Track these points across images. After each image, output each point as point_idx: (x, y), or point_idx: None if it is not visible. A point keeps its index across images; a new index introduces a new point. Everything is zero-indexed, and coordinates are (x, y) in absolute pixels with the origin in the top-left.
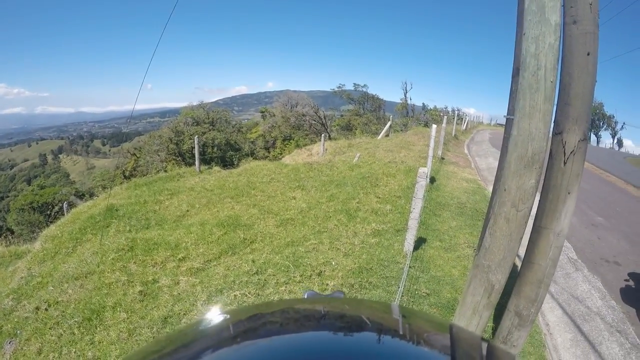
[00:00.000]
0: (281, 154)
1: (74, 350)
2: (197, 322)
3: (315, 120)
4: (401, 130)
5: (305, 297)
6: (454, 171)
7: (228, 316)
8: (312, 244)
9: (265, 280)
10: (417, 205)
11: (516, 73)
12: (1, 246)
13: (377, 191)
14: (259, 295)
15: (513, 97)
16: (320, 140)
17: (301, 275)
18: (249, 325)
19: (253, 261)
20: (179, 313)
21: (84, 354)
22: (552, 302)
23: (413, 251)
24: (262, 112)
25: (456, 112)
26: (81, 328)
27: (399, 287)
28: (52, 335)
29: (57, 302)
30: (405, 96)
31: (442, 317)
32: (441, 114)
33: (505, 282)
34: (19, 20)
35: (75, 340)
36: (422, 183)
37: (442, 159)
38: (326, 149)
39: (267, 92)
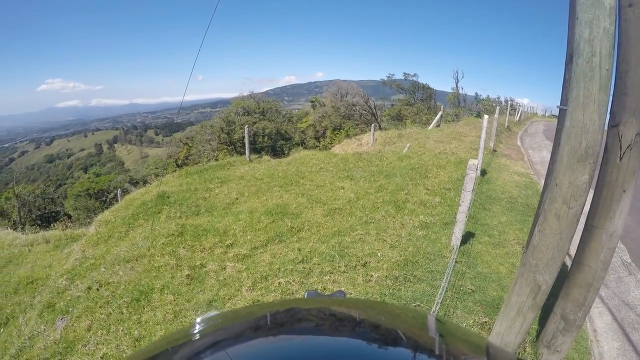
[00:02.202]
0: (331, 143)
1: (121, 328)
2: (197, 322)
3: (365, 110)
4: (453, 121)
5: (306, 297)
6: (505, 164)
7: (228, 316)
8: (358, 234)
9: (310, 269)
10: (466, 199)
11: (569, 60)
12: (58, 230)
13: (427, 183)
14: (302, 283)
15: (566, 86)
16: (370, 130)
17: (346, 266)
18: (249, 325)
19: (299, 249)
20: (224, 297)
21: (130, 332)
22: (602, 307)
23: (460, 245)
24: (312, 101)
25: (509, 102)
26: (129, 308)
27: (443, 282)
28: (101, 314)
29: (108, 283)
30: (456, 85)
31: (445, 316)
32: (494, 104)
33: (553, 283)
34: (73, 18)
35: (123, 319)
36: (471, 175)
37: (494, 151)
38: (376, 139)
39: (316, 82)
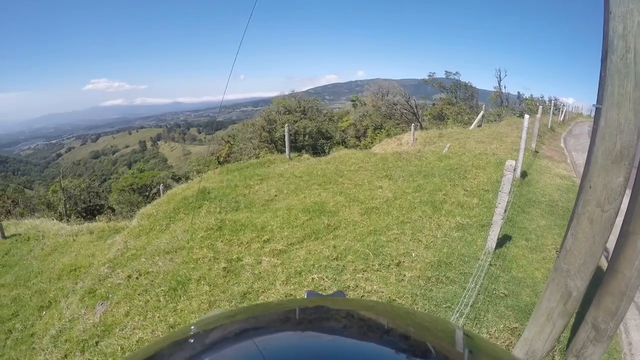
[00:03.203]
0: (372, 142)
1: (157, 315)
2: (197, 322)
3: (406, 110)
4: (495, 121)
5: (306, 297)
6: (547, 166)
7: (228, 316)
8: (394, 233)
9: (343, 266)
10: (502, 200)
11: (604, 57)
12: (102, 222)
13: (465, 184)
14: (335, 280)
15: (602, 83)
16: (410, 129)
17: (380, 264)
18: (249, 325)
19: (334, 247)
20: (258, 290)
21: (166, 319)
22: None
23: (496, 248)
24: (352, 100)
25: (553, 101)
26: (166, 296)
27: (475, 285)
28: (139, 301)
29: (148, 272)
30: (499, 84)
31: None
32: (537, 104)
33: (585, 290)
34: (117, 19)
35: (160, 306)
36: (509, 177)
37: (536, 152)
38: (416, 139)
39: (357, 81)
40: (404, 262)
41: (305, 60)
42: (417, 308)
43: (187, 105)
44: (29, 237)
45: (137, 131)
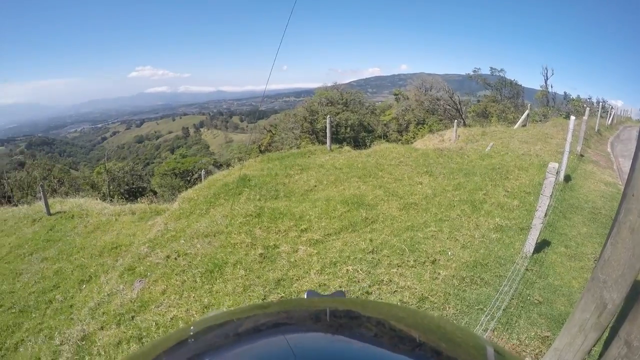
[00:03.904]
0: (414, 138)
1: (193, 295)
2: (197, 322)
3: (449, 105)
4: (540, 121)
5: (306, 297)
6: (592, 171)
7: (228, 316)
8: (431, 231)
9: (378, 260)
10: (543, 204)
11: None
12: (144, 204)
13: (506, 184)
14: (369, 273)
15: None
16: (453, 126)
17: (415, 261)
18: (248, 325)
19: (371, 240)
20: (292, 278)
21: (200, 299)
22: None
23: (533, 253)
24: (395, 94)
25: (601, 103)
26: (203, 278)
27: (509, 289)
28: (176, 280)
29: (186, 254)
30: (545, 83)
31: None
32: (584, 105)
33: (621, 303)
34: (161, 8)
35: (196, 287)
36: (550, 180)
37: (581, 156)
38: (458, 136)
39: (400, 75)
40: (439, 260)
41: (348, 52)
42: (449, 308)
43: (230, 94)
44: (73, 215)
45: (181, 118)
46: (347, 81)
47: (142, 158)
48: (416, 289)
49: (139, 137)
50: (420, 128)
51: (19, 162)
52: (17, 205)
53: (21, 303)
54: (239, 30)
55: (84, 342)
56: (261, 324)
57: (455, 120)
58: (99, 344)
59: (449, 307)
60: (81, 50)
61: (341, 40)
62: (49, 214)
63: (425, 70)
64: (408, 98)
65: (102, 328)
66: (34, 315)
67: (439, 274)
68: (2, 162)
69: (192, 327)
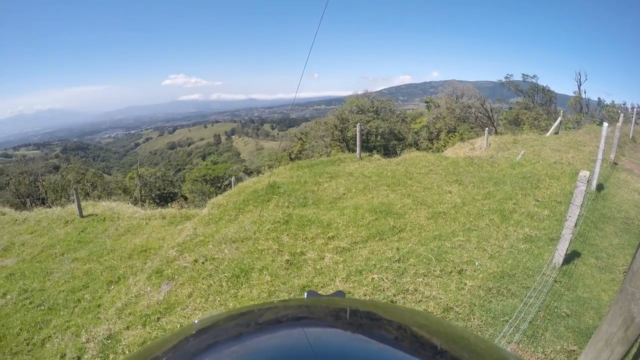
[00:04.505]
0: (444, 146)
1: (218, 299)
2: (197, 323)
3: (481, 113)
4: (573, 128)
5: (306, 297)
6: (626, 179)
7: (228, 316)
8: (459, 240)
9: (404, 269)
10: (573, 213)
11: None
12: (174, 208)
13: (537, 194)
14: (395, 282)
15: None
16: (484, 134)
17: (441, 270)
18: (248, 325)
19: (397, 249)
20: (318, 284)
21: (226, 303)
22: None
23: (562, 264)
24: (426, 102)
25: (635, 109)
26: (229, 282)
27: (537, 301)
28: (203, 284)
29: (213, 258)
30: (578, 89)
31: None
32: (618, 111)
33: None
34: (192, 18)
35: (222, 291)
36: (581, 188)
37: (615, 164)
38: (489, 144)
39: (432, 82)
40: (466, 270)
41: (379, 59)
42: (474, 319)
43: (261, 102)
44: (104, 218)
45: (212, 125)
46: (378, 89)
47: (174, 164)
48: (441, 299)
49: (171, 144)
50: (451, 136)
51: (53, 165)
52: (50, 207)
53: (50, 301)
54: (271, 39)
55: (109, 341)
56: (261, 324)
57: (487, 128)
58: (124, 343)
59: (474, 318)
60: (116, 58)
61: (372, 48)
62: (82, 216)
63: (457, 78)
64: (439, 106)
65: (127, 328)
66: (62, 313)
67: (465, 284)
68: (37, 165)
69: (192, 327)
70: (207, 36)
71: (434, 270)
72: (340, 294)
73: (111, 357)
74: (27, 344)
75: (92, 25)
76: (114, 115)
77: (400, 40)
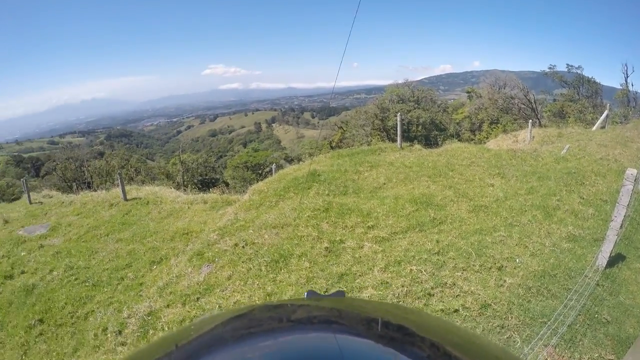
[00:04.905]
0: (487, 137)
1: (257, 282)
2: (197, 322)
3: (524, 104)
4: (620, 123)
5: (305, 297)
6: None
7: (228, 316)
8: (500, 235)
9: (443, 262)
10: (619, 214)
11: None
12: (216, 194)
13: (582, 191)
14: (433, 274)
15: None
16: (528, 126)
17: (480, 266)
18: (248, 325)
19: (437, 241)
20: (355, 273)
21: (264, 287)
22: None
23: (606, 267)
24: (468, 92)
25: None
26: (268, 267)
27: (577, 304)
28: (242, 267)
29: (254, 243)
30: (625, 81)
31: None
32: None
33: None
34: (231, 8)
35: (260, 275)
36: (628, 188)
37: None
38: (533, 137)
39: (473, 72)
40: (506, 267)
41: (418, 48)
42: (511, 318)
43: (300, 91)
44: (148, 201)
45: (253, 113)
46: (419, 78)
47: (215, 151)
48: (479, 295)
49: (212, 131)
50: (494, 127)
51: (98, 152)
52: (95, 191)
53: (95, 278)
54: (309, 28)
55: (149, 317)
56: (261, 324)
57: (530, 120)
58: (163, 320)
59: (512, 317)
60: (157, 48)
61: (411, 36)
62: (126, 199)
63: (499, 67)
64: (481, 96)
65: (168, 306)
66: (105, 290)
67: (505, 281)
68: (83, 152)
69: (191, 328)
70: (245, 26)
71: (473, 265)
72: (340, 294)
73: (150, 332)
74: (71, 317)
75: (134, 17)
76: (156, 104)
77: (440, 29)
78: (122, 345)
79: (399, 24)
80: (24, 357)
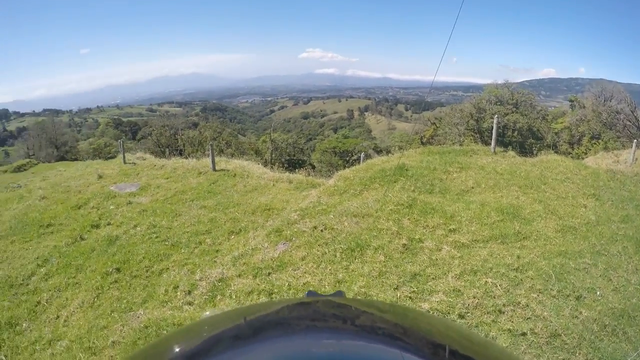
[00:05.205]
0: (585, 153)
1: (329, 268)
2: (197, 322)
3: (630, 121)
4: None
5: (305, 296)
6: None
7: (228, 316)
8: (584, 262)
9: (521, 280)
10: None
11: None
12: (301, 175)
13: None
14: (508, 291)
15: None
16: (632, 146)
17: (558, 291)
18: (248, 325)
19: (518, 257)
20: (429, 275)
21: (336, 274)
22: None
23: None
24: (570, 101)
25: None
26: (343, 254)
27: None
28: (317, 251)
29: (332, 228)
30: None
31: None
32: None
33: None
34: None
35: (334, 261)
36: None
37: None
38: (636, 159)
39: (578, 79)
40: (585, 297)
41: (521, 48)
42: (579, 354)
43: (396, 82)
44: (235, 174)
45: (347, 100)
46: (519, 80)
47: (306, 133)
48: (551, 322)
49: (304, 114)
50: (594, 143)
51: (193, 122)
52: (186, 158)
53: (174, 239)
54: (409, 18)
55: (220, 283)
56: (261, 324)
57: (635, 140)
58: (232, 288)
59: (579, 354)
60: (257, 29)
61: (514, 35)
62: (214, 170)
63: (606, 77)
64: (584, 107)
65: (239, 276)
66: (183, 251)
67: (581, 312)
68: (178, 121)
69: (193, 327)
70: (345, 12)
71: (551, 289)
72: (339, 294)
73: (218, 297)
74: (146, 271)
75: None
76: (252, 82)
77: (544, 30)
78: (189, 304)
79: (504, 21)
80: (96, 299)
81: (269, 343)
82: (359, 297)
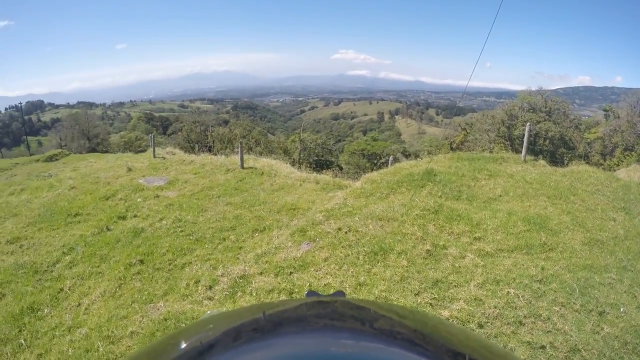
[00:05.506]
0: (618, 165)
1: (352, 270)
2: (198, 322)
3: None
4: None
5: (305, 296)
6: None
7: (229, 316)
8: (610, 277)
9: (544, 292)
10: None
11: None
12: (329, 176)
13: None
14: (530, 302)
15: None
16: None
17: (581, 306)
18: (248, 325)
19: (542, 268)
20: (451, 283)
21: (357, 276)
22: None
23: None
24: (605, 110)
25: None
26: (366, 257)
27: None
28: (341, 252)
29: (357, 231)
30: None
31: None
32: None
33: None
34: None
35: (357, 263)
36: None
37: None
38: None
39: (614, 88)
40: (608, 313)
41: (556, 55)
42: None
43: (428, 85)
44: (262, 172)
45: (377, 102)
46: (553, 87)
47: (335, 134)
48: (572, 337)
49: (334, 115)
50: (627, 155)
51: (224, 119)
52: (215, 155)
53: (199, 234)
54: (442, 21)
55: (241, 280)
56: (261, 324)
57: None
58: (254, 285)
59: None
60: (291, 30)
61: (549, 41)
62: (242, 167)
63: None
64: (619, 117)
65: (261, 273)
66: (206, 246)
67: (602, 328)
68: (209, 118)
69: (193, 328)
70: (379, 14)
71: (574, 303)
72: (339, 294)
73: (239, 294)
74: (169, 264)
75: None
76: (284, 82)
77: (581, 37)
78: (210, 299)
79: (539, 27)
80: (118, 289)
81: (269, 343)
82: (361, 298)
